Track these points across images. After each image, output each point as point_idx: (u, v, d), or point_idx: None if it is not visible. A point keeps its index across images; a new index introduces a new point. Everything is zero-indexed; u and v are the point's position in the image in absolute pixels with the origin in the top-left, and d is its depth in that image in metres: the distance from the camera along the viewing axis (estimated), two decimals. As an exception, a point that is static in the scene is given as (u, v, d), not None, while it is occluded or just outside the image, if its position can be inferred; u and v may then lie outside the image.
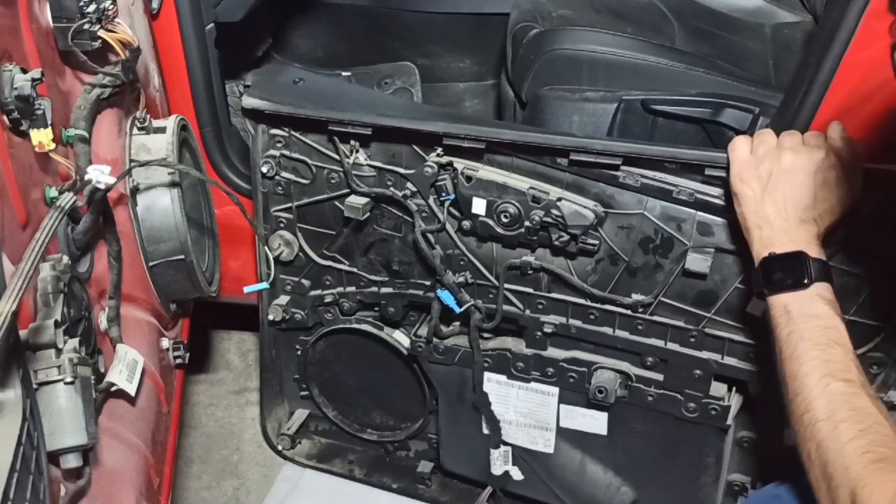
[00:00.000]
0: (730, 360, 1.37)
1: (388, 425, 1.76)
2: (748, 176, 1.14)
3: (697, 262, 1.29)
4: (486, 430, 1.61)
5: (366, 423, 1.78)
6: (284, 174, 1.48)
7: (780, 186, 1.10)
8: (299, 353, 1.70)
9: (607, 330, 1.42)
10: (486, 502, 1.67)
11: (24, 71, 0.95)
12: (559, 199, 1.32)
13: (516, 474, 1.62)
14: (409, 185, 1.41)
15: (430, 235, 1.43)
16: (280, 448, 1.80)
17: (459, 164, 1.36)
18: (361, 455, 1.81)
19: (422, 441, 1.77)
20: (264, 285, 1.51)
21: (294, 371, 1.75)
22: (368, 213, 1.44)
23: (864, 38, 1.18)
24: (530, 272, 1.40)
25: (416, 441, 1.77)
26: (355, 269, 1.55)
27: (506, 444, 1.60)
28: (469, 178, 1.35)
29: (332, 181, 1.46)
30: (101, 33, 1.15)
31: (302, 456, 1.82)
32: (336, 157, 1.43)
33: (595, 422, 1.52)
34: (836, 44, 1.17)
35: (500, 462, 1.61)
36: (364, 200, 1.42)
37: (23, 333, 0.90)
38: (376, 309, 1.62)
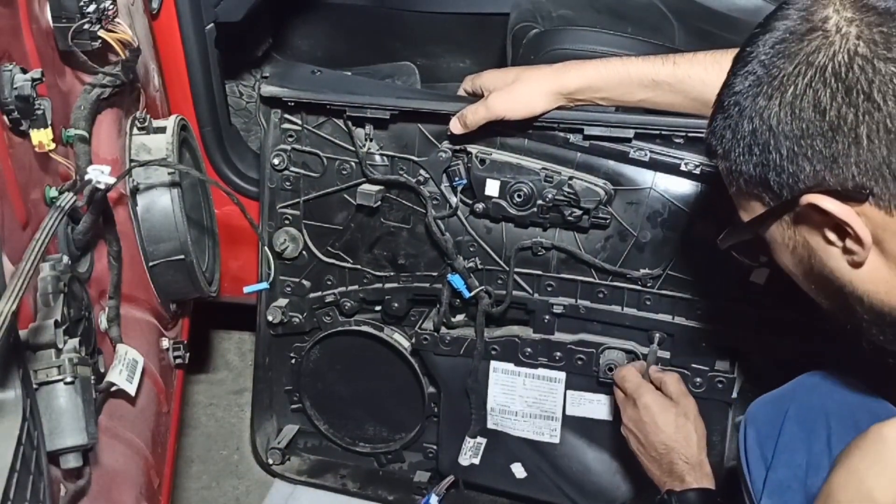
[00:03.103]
0: (734, 330, 1.40)
1: (381, 437, 1.75)
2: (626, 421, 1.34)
3: (705, 230, 1.32)
4: (489, 426, 1.61)
5: (358, 435, 1.76)
6: (294, 169, 1.51)
7: (646, 444, 1.29)
8: (293, 361, 1.70)
9: (616, 308, 1.45)
10: (445, 491, 1.66)
11: (24, 71, 0.95)
12: (571, 178, 1.36)
13: (519, 471, 1.62)
14: (421, 172, 1.45)
15: (440, 222, 1.46)
16: (270, 462, 1.78)
17: (473, 148, 1.40)
18: (353, 469, 1.79)
19: (416, 452, 1.75)
20: (264, 285, 1.51)
21: (286, 383, 1.74)
22: (380, 202, 1.47)
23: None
24: (541, 252, 1.44)
25: (409, 453, 1.76)
26: (359, 266, 1.56)
27: (485, 435, 1.61)
28: (483, 161, 1.39)
29: (344, 172, 1.49)
30: (101, 33, 1.14)
31: (292, 472, 1.79)
32: (349, 147, 1.46)
33: (602, 407, 1.54)
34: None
35: (469, 453, 1.61)
36: (378, 187, 1.45)
37: (23, 333, 0.90)
38: (377, 309, 1.63)
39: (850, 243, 0.82)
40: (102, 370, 1.12)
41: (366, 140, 1.45)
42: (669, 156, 1.34)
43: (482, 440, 1.61)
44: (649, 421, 1.29)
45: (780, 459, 1.09)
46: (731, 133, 0.87)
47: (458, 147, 1.42)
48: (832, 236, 0.83)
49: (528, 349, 1.53)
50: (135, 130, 1.33)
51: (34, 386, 0.90)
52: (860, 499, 0.84)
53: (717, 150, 0.90)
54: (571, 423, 1.57)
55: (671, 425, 1.28)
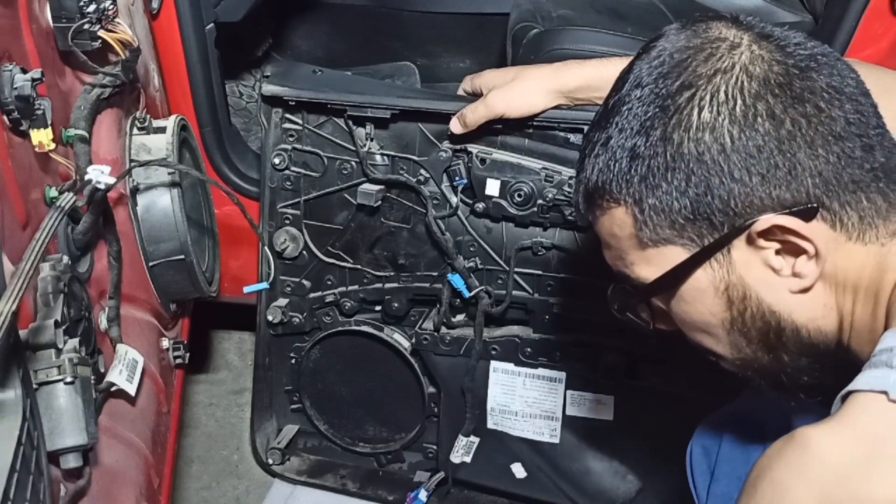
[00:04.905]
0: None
1: (381, 437, 1.75)
2: None
3: None
4: (489, 426, 1.61)
5: (358, 435, 1.76)
6: (294, 168, 1.51)
7: None
8: (294, 360, 1.70)
9: None
10: (435, 487, 1.66)
11: (24, 71, 0.95)
12: (571, 178, 1.36)
13: (519, 471, 1.62)
14: (421, 171, 1.45)
15: (441, 222, 1.46)
16: (270, 462, 1.77)
17: (473, 147, 1.40)
18: (353, 470, 1.78)
19: (416, 452, 1.75)
20: (264, 285, 1.51)
21: (286, 383, 1.74)
22: (380, 202, 1.47)
23: (864, 38, 1.19)
24: (541, 252, 1.44)
25: (409, 453, 1.76)
26: (359, 266, 1.56)
27: (480, 434, 1.61)
28: (483, 161, 1.39)
29: (345, 172, 1.49)
30: (101, 33, 1.14)
31: (292, 472, 1.78)
32: (350, 147, 1.46)
33: (602, 406, 1.55)
34: (835, 44, 1.17)
35: (461, 451, 1.61)
36: (378, 187, 1.45)
37: (23, 333, 0.90)
38: (377, 309, 1.63)
39: (801, 265, 0.78)
40: (102, 370, 1.12)
41: (366, 139, 1.46)
42: None
43: (475, 439, 1.62)
44: None
45: (722, 471, 1.07)
46: (652, 166, 0.79)
47: (458, 147, 1.42)
48: (778, 263, 0.79)
49: (528, 349, 1.53)
50: (135, 130, 1.33)
51: (34, 386, 0.90)
52: None
53: (623, 197, 0.81)
54: (571, 423, 1.57)
55: None
